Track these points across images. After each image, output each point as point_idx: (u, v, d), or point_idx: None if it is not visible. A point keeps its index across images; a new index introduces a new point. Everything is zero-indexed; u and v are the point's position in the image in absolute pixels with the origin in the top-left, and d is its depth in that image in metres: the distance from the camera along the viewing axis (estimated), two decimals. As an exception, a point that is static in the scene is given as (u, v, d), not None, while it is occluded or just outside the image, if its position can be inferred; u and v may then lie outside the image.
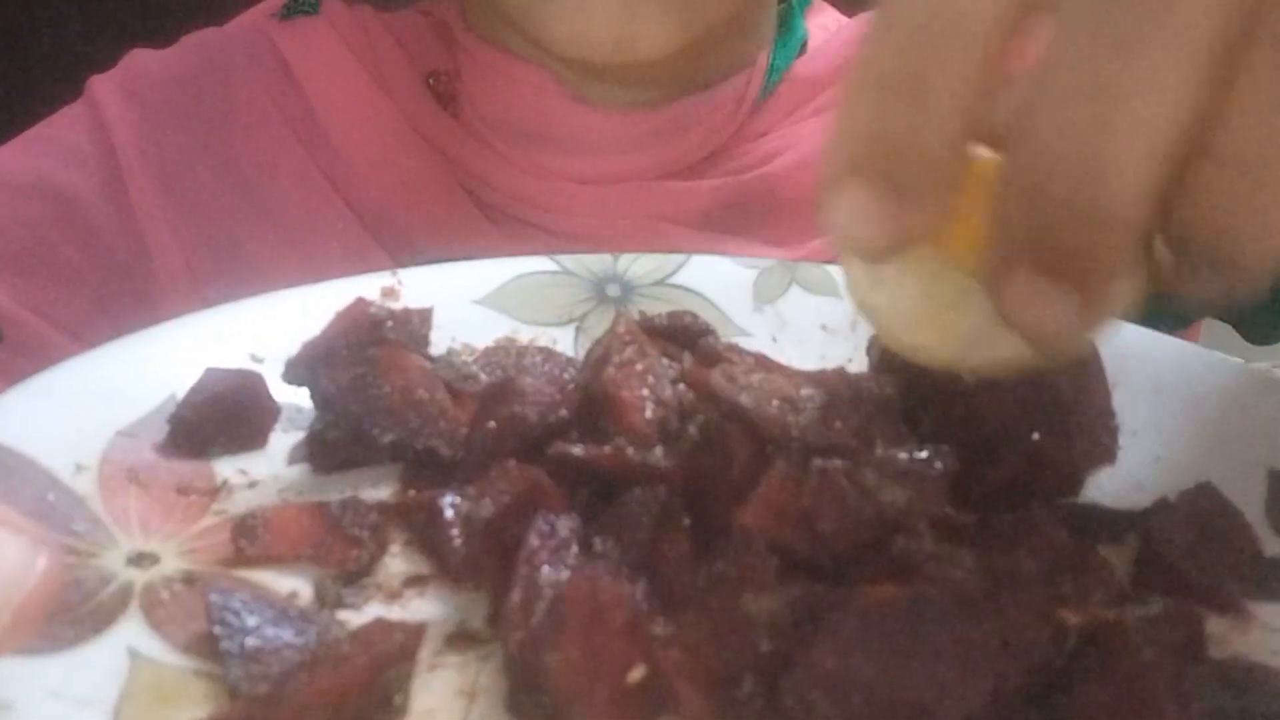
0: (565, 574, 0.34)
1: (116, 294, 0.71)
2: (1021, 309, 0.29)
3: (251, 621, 0.35)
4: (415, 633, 0.34)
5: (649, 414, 0.40)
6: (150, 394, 0.44)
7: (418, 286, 0.50)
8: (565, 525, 0.36)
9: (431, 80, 0.75)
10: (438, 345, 0.49)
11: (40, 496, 0.38)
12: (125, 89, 0.75)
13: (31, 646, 0.33)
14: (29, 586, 0.31)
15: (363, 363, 0.42)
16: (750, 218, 0.73)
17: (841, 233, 0.30)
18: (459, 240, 0.72)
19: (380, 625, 0.35)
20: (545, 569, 0.34)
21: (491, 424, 0.40)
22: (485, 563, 0.36)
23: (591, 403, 0.40)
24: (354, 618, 0.37)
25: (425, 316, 0.47)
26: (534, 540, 0.35)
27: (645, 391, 0.40)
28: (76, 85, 0.76)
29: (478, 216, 0.73)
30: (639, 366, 0.41)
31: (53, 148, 0.73)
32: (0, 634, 0.30)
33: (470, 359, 0.49)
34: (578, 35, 0.64)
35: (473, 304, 0.52)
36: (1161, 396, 0.48)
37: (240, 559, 0.39)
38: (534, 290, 0.53)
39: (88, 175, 0.72)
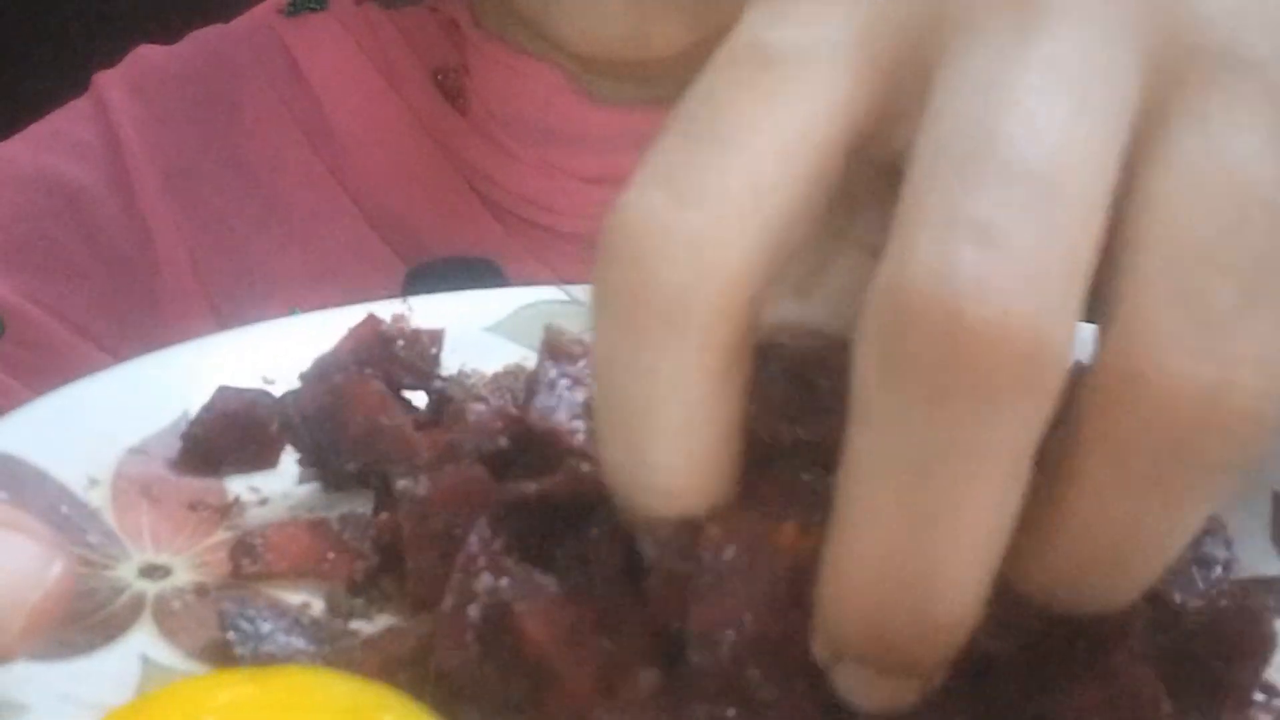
0: (504, 582, 0.33)
1: (120, 288, 0.72)
2: (850, 694, 0.28)
3: (265, 628, 0.35)
4: (427, 638, 0.34)
5: (582, 439, 0.38)
6: (163, 412, 0.44)
7: (428, 314, 0.51)
8: (504, 532, 0.34)
9: (439, 77, 0.75)
10: (448, 370, 0.49)
11: (53, 508, 0.39)
12: (131, 85, 0.76)
13: (44, 652, 0.33)
14: (43, 590, 0.31)
15: (328, 394, 0.42)
16: None
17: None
18: (465, 239, 0.72)
19: (393, 631, 0.35)
20: (484, 575, 0.33)
21: (431, 451, 0.40)
22: (436, 575, 0.36)
23: (531, 438, 0.39)
24: (366, 627, 0.37)
25: (436, 337, 0.47)
26: (473, 546, 0.34)
27: (578, 422, 0.38)
28: (82, 81, 0.77)
29: (485, 215, 0.73)
30: (564, 389, 0.39)
31: (58, 142, 0.74)
32: (14, 637, 0.30)
33: (480, 384, 0.49)
34: (589, 32, 0.65)
35: (483, 331, 0.52)
36: None
37: (241, 577, 0.39)
38: (543, 319, 0.53)
39: (93, 170, 0.73)
